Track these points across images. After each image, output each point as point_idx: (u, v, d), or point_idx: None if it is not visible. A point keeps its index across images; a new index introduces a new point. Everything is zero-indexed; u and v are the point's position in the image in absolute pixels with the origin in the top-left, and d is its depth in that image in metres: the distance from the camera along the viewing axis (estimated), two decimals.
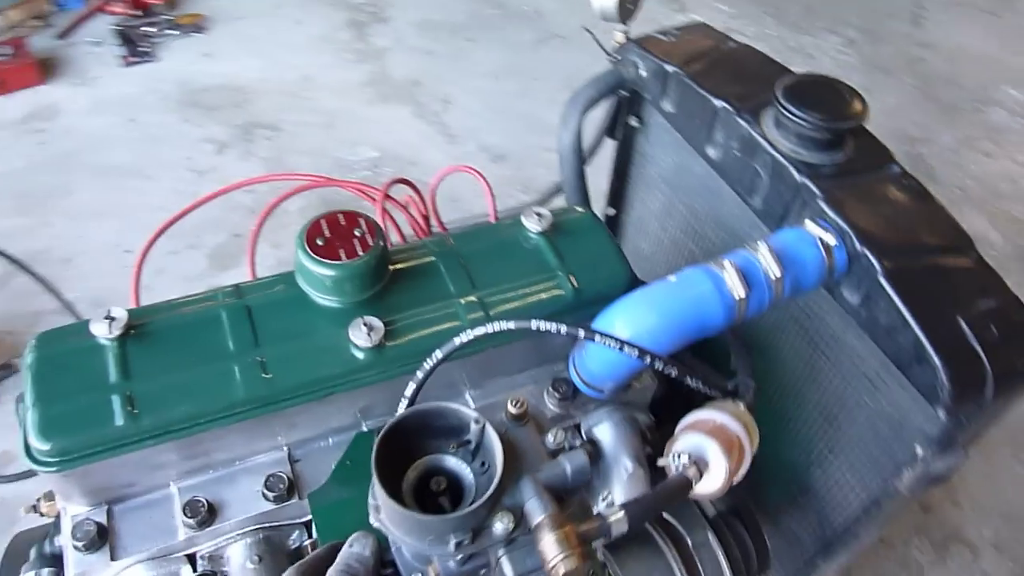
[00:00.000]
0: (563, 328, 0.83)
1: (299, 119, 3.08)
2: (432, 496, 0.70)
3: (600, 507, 0.66)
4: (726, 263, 0.92)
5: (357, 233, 0.96)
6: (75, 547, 0.89)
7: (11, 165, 2.80)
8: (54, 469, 0.86)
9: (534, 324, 0.83)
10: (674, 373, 0.84)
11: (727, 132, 1.13)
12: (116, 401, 0.88)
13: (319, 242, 0.95)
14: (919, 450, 1.03)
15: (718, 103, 1.13)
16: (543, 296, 1.04)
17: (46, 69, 3.12)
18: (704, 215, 1.38)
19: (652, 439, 1.12)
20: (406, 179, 1.30)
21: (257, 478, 0.95)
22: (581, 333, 0.83)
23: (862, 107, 1.02)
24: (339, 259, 0.94)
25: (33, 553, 0.98)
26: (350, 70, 3.31)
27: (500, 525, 0.65)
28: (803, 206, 1.04)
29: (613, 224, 1.70)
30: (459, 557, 0.66)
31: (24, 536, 1.11)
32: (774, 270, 0.93)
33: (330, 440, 1.01)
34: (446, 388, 1.05)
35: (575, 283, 1.05)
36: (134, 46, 3.21)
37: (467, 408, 0.69)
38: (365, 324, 0.95)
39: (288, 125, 3.05)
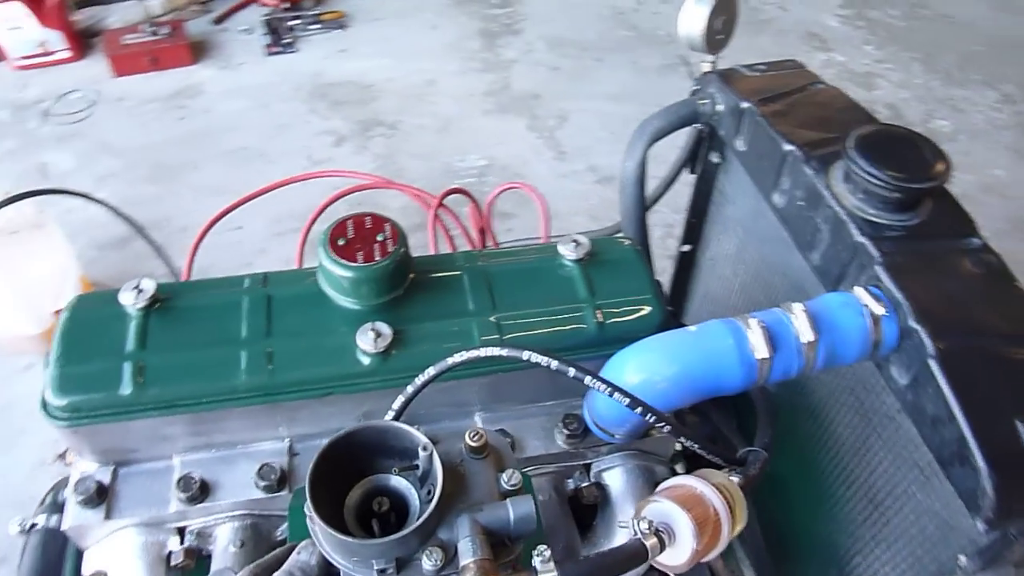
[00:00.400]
0: (553, 363, 0.79)
1: (417, 121, 3.15)
2: (376, 517, 0.67)
3: (535, 562, 0.61)
4: (752, 321, 0.85)
5: (380, 237, 0.95)
6: (75, 501, 0.93)
7: (152, 137, 3.02)
8: (63, 425, 0.90)
9: (525, 354, 0.79)
10: (665, 430, 0.78)
11: (793, 179, 1.05)
12: (127, 370, 0.91)
13: (341, 242, 0.95)
14: (962, 560, 0.91)
15: (787, 147, 1.05)
16: (564, 328, 0.99)
17: (197, 51, 3.36)
18: (774, 265, 1.29)
19: None
20: (464, 190, 1.29)
21: (254, 465, 0.96)
22: (571, 372, 0.78)
23: (943, 167, 0.91)
24: (355, 261, 0.93)
25: (48, 499, 1.03)
26: (474, 78, 3.35)
27: (428, 560, 0.62)
28: (860, 269, 0.94)
29: (688, 261, 1.62)
30: None
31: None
32: (807, 334, 0.84)
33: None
34: (456, 407, 1.02)
35: (600, 318, 1.00)
36: (278, 37, 3.40)
37: (417, 432, 0.66)
38: (373, 330, 0.94)
39: (405, 126, 3.13)
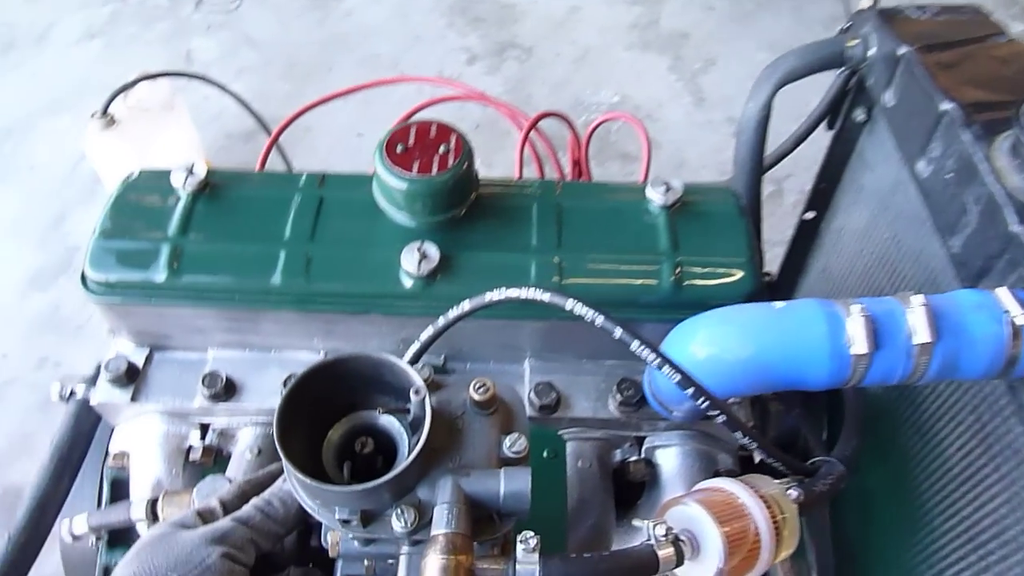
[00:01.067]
0: (599, 319, 0.66)
1: (554, 48, 2.99)
2: (358, 459, 0.58)
3: (518, 549, 0.50)
4: (855, 307, 0.69)
5: (442, 149, 0.85)
6: (105, 378, 0.90)
7: (291, 37, 3.02)
8: (97, 299, 0.87)
9: (569, 303, 0.67)
10: (720, 420, 0.64)
11: (946, 145, 0.85)
12: (164, 253, 0.86)
13: (399, 149, 0.85)
14: None
15: (946, 105, 0.85)
16: (633, 281, 0.86)
17: None
18: (906, 248, 1.09)
19: None
20: (564, 115, 1.16)
21: (284, 373, 0.90)
22: (617, 332, 0.66)
23: None
24: (410, 171, 0.83)
25: (92, 372, 1.01)
26: (621, 9, 3.13)
27: (398, 520, 0.53)
28: (1011, 266, 0.75)
29: (809, 230, 1.42)
30: (350, 536, 0.55)
31: None
32: (922, 334, 0.68)
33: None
34: (505, 348, 0.92)
35: (678, 276, 0.85)
36: None
37: (414, 371, 0.56)
38: (420, 251, 0.84)
39: (541, 51, 2.97)
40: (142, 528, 0.82)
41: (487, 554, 0.55)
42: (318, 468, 0.57)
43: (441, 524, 0.52)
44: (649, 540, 0.55)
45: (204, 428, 0.93)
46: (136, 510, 0.80)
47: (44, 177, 2.75)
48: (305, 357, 0.93)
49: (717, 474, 0.92)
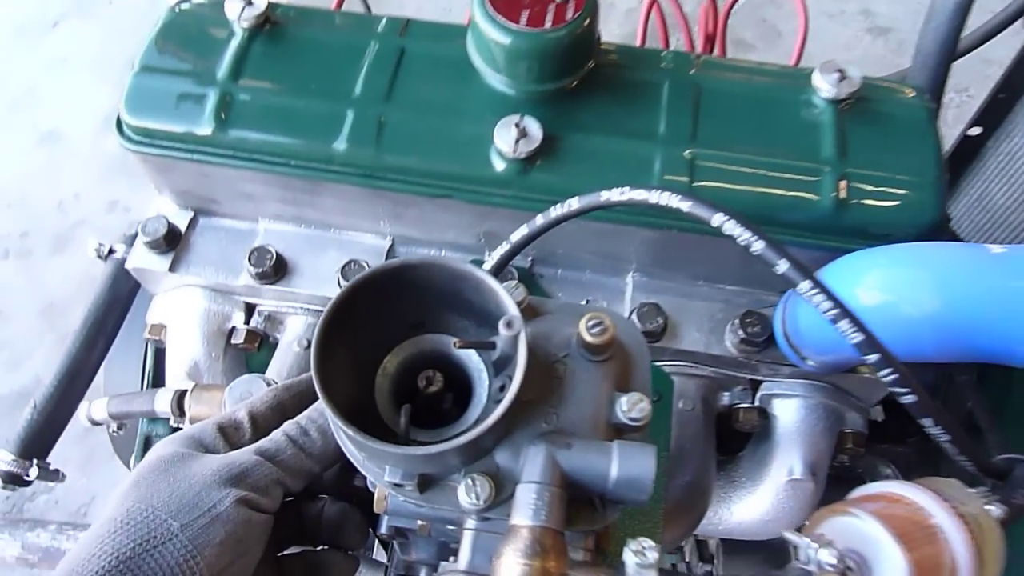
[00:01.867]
0: (757, 244, 0.49)
1: None
2: (422, 399, 0.43)
3: (630, 560, 0.35)
4: None
5: None
6: (143, 241, 0.77)
7: None
8: (133, 148, 0.72)
9: (717, 218, 0.49)
10: (907, 399, 0.47)
11: None
12: (211, 99, 0.70)
13: None
14: None
15: None
16: (784, 193, 0.67)
17: None
18: None
19: (850, 453, 0.75)
20: None
21: (343, 257, 0.76)
22: (782, 265, 0.48)
23: None
24: (517, 22, 0.64)
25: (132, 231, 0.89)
26: None
27: (467, 494, 0.38)
28: None
29: (970, 149, 1.18)
30: (402, 500, 0.40)
31: None
32: None
33: (443, 254, 0.77)
34: (605, 257, 0.75)
35: (843, 194, 0.66)
36: None
37: (505, 294, 0.40)
38: (519, 126, 0.66)
39: None
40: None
41: (577, 548, 0.41)
42: (367, 407, 0.42)
43: (527, 513, 0.37)
44: (807, 565, 0.39)
45: (250, 309, 0.80)
46: (161, 401, 0.68)
47: (124, 11, 2.61)
48: (370, 241, 0.78)
49: (843, 437, 0.75)
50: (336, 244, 0.78)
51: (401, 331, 0.44)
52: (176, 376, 0.77)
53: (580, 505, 0.40)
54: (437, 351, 0.44)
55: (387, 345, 0.44)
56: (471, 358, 0.44)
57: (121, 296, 0.83)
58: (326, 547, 0.53)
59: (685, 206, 0.50)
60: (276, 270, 0.75)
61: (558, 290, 0.76)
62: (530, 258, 0.76)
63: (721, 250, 0.69)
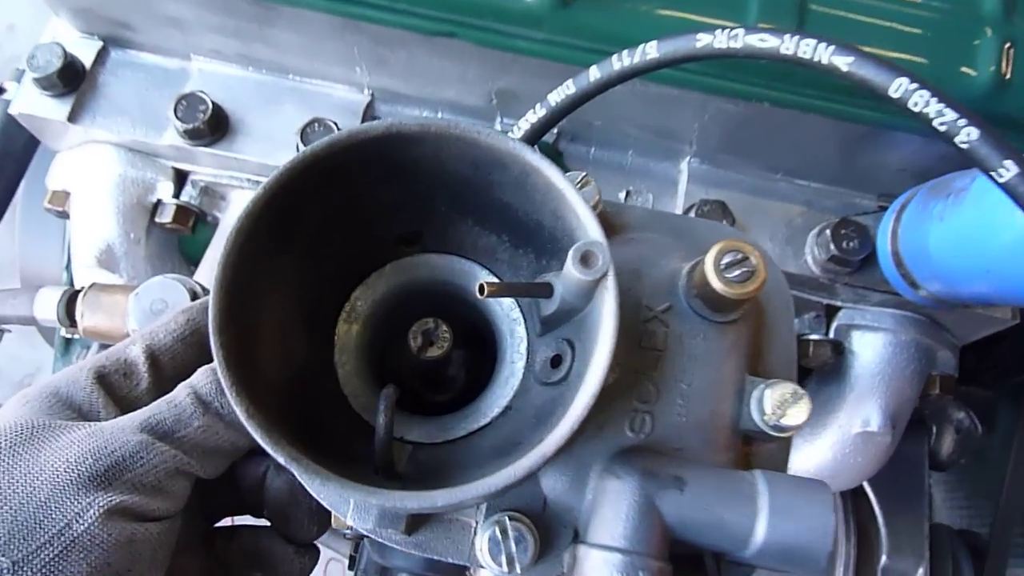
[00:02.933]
0: (945, 110, 0.30)
1: None
2: (413, 366, 0.25)
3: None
4: None
5: None
6: (32, 77, 0.56)
7: None
8: None
9: (900, 85, 0.30)
10: None
11: None
12: None
13: None
14: None
15: None
16: (926, 61, 0.47)
17: None
18: None
19: (933, 400, 0.60)
20: None
21: (307, 115, 0.55)
22: (969, 132, 0.29)
23: None
24: None
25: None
26: None
27: (490, 552, 0.21)
28: None
29: None
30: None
31: None
32: None
33: (439, 114, 0.57)
34: (658, 135, 0.55)
35: (1008, 71, 0.46)
36: None
37: (584, 206, 0.21)
38: None
39: None
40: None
41: None
42: (318, 383, 0.24)
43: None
44: None
45: (181, 178, 0.60)
46: (43, 305, 0.49)
47: None
48: (342, 94, 0.57)
49: (930, 381, 0.59)
50: (296, 96, 0.57)
51: (383, 248, 0.25)
52: (83, 262, 0.58)
53: (684, 566, 0.23)
54: (442, 286, 0.25)
55: (358, 271, 0.25)
56: (500, 304, 0.26)
57: (14, 150, 0.63)
58: (271, 528, 0.37)
59: (845, 64, 0.31)
60: (214, 127, 0.55)
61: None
62: (555, 132, 0.57)
63: (820, 133, 0.50)
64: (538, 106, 0.39)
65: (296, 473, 0.21)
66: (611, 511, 0.21)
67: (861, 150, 0.52)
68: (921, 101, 0.30)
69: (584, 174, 0.27)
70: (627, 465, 0.22)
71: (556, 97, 0.38)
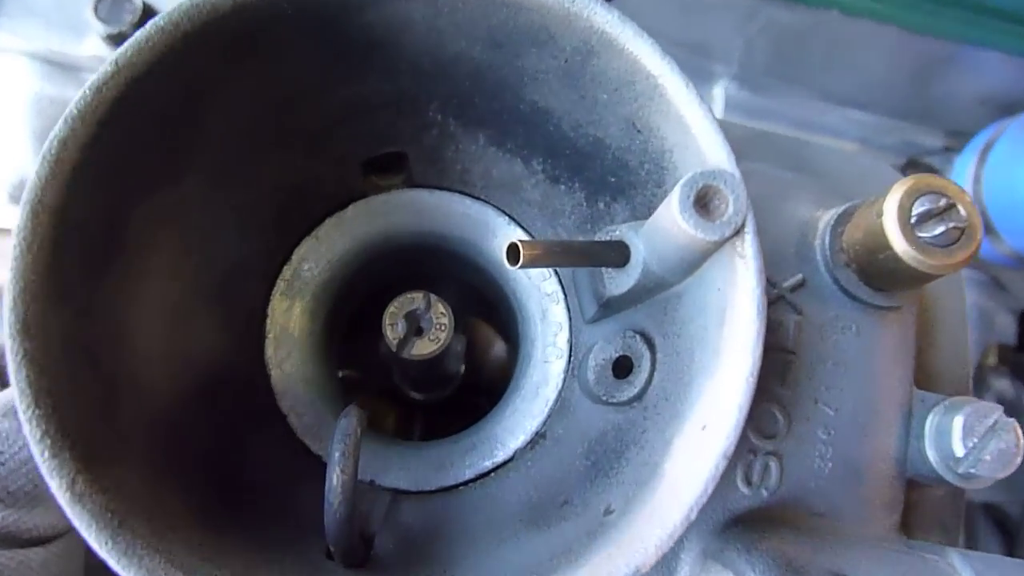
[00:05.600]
0: None
1: None
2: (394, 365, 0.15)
3: None
4: None
5: None
6: None
7: None
8: None
9: None
10: None
11: None
12: None
13: None
14: None
15: None
16: None
17: None
18: None
19: (989, 370, 0.52)
20: None
21: None
22: None
23: None
24: None
25: None
26: None
27: None
28: None
29: None
30: None
31: None
32: None
33: None
34: (693, 52, 0.45)
35: None
36: None
37: (698, 103, 0.12)
38: None
39: None
40: None
41: None
42: (241, 390, 0.14)
43: None
44: None
45: None
46: None
47: None
48: None
49: (988, 350, 0.51)
50: None
51: (343, 177, 0.15)
52: None
53: None
54: (436, 242, 0.16)
55: (302, 215, 0.15)
56: (527, 272, 0.16)
57: None
58: None
59: None
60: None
61: None
62: None
63: (892, 51, 0.41)
64: None
65: None
66: None
67: (938, 75, 0.42)
68: None
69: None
70: (748, 552, 0.13)
71: None
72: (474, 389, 0.20)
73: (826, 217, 0.16)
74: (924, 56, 0.42)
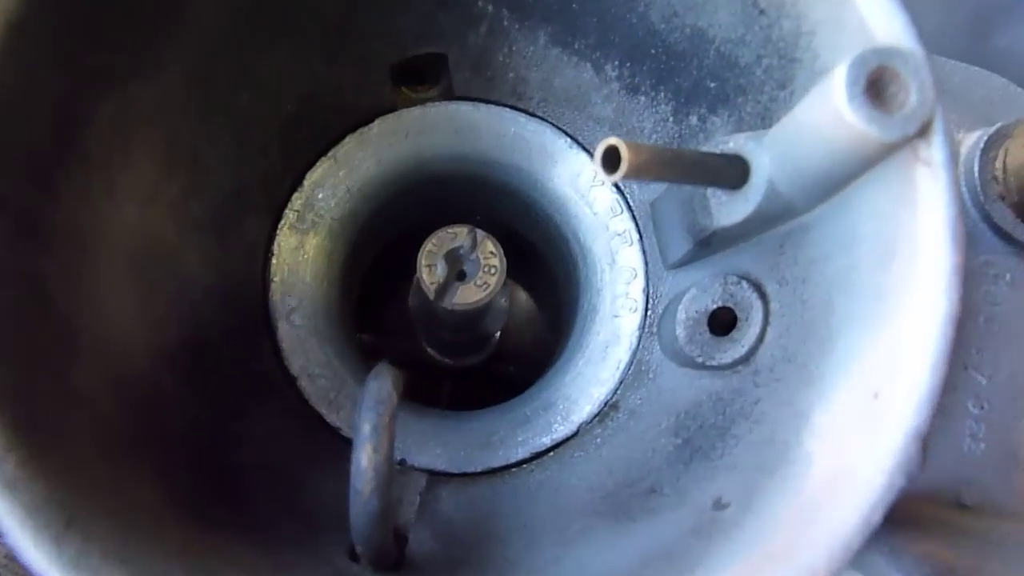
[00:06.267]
0: None
1: None
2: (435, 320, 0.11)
3: None
4: None
5: None
6: None
7: None
8: None
9: None
10: None
11: None
12: None
13: None
14: None
15: None
16: None
17: None
18: None
19: None
20: None
21: None
22: None
23: None
24: None
25: None
26: None
27: None
28: None
29: None
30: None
31: None
32: None
33: None
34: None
35: None
36: None
37: None
38: None
39: None
40: None
41: None
42: (241, 348, 0.11)
43: None
44: None
45: None
46: None
47: None
48: None
49: None
50: None
51: (367, 84, 0.12)
52: None
53: None
54: (483, 168, 0.13)
55: (316, 130, 0.12)
56: (590, 203, 0.13)
57: None
58: None
59: None
60: None
61: None
62: None
63: None
64: None
65: None
66: None
67: (999, 25, 0.39)
68: None
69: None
70: (897, 556, 0.10)
71: None
72: (500, 356, 0.17)
73: (969, 141, 0.13)
74: (983, 5, 0.38)
